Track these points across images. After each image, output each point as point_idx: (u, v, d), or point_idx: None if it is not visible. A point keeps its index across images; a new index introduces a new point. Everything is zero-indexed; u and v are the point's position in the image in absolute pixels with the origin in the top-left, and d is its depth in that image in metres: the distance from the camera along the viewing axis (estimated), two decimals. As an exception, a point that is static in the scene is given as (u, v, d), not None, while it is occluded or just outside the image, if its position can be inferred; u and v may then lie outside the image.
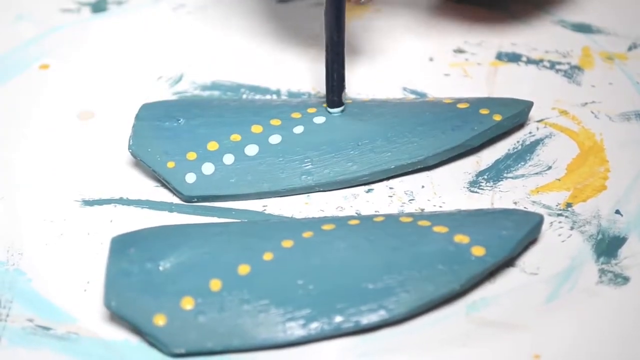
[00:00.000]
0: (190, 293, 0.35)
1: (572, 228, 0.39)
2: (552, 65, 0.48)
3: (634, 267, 0.37)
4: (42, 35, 0.51)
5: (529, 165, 0.42)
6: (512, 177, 0.41)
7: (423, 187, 0.41)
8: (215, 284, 0.35)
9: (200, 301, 0.35)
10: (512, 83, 0.47)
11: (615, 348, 0.34)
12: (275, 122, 0.42)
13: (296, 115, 0.42)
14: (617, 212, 0.39)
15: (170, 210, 0.40)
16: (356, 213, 0.40)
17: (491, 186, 0.41)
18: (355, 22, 0.51)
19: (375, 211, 0.40)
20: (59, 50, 0.50)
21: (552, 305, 0.36)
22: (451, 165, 0.42)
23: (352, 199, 0.41)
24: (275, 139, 0.41)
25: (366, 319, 0.35)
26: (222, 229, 0.38)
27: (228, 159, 0.41)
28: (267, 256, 0.36)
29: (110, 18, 0.52)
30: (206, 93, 0.47)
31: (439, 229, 0.37)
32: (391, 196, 0.41)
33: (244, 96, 0.46)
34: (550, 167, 0.42)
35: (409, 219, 0.37)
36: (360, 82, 0.47)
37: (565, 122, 0.44)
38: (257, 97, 0.46)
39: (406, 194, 0.41)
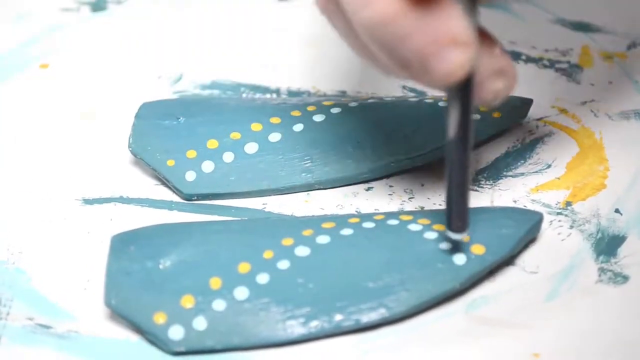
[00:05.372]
0: (190, 291, 0.35)
1: (571, 227, 0.39)
2: (552, 64, 0.48)
3: (633, 266, 0.37)
4: (41, 34, 0.51)
5: (529, 164, 0.42)
6: (511, 176, 0.41)
7: (423, 185, 0.41)
8: (216, 282, 0.35)
9: (201, 299, 0.35)
10: (511, 82, 0.47)
11: (615, 347, 0.34)
12: (275, 120, 0.42)
13: (296, 113, 0.42)
14: (617, 210, 0.39)
15: (170, 209, 0.40)
16: (356, 211, 0.40)
17: (491, 184, 0.41)
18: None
19: (375, 209, 0.40)
20: (59, 50, 0.50)
21: (551, 304, 0.36)
22: (451, 163, 0.42)
23: (352, 197, 0.41)
24: (275, 136, 0.41)
25: (366, 317, 0.35)
26: (222, 227, 0.38)
27: (228, 157, 0.41)
28: (267, 254, 0.36)
29: (110, 17, 0.52)
30: (206, 92, 0.47)
31: (439, 227, 0.37)
32: (391, 194, 0.41)
33: (244, 95, 0.47)
34: (549, 166, 0.42)
35: (409, 217, 0.38)
36: (360, 81, 0.47)
37: (565, 121, 0.44)
38: (257, 96, 0.46)
39: (406, 192, 0.41)
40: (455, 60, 0.29)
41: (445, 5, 0.30)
